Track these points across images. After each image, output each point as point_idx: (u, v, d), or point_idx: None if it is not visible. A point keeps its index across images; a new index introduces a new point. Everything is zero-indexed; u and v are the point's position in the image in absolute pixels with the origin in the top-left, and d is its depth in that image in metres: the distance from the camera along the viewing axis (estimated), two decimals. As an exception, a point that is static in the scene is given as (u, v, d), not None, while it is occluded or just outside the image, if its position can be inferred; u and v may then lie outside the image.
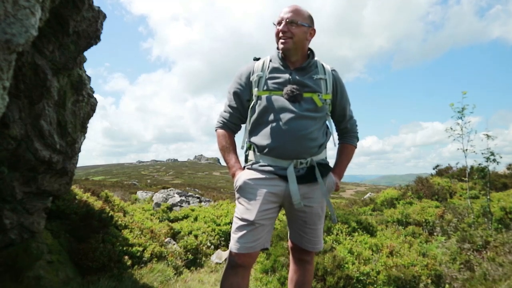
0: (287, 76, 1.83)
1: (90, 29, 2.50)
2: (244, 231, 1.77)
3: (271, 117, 1.79)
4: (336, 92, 1.93)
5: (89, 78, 2.98)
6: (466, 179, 4.84)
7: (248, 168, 1.86)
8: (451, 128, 4.40)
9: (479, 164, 4.30)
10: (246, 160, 1.92)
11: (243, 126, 2.00)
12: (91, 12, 2.44)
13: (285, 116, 1.78)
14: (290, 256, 2.07)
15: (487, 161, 4.16)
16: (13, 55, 1.46)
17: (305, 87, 1.82)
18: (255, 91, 1.82)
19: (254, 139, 1.85)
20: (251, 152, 1.87)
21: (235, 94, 1.89)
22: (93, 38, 2.60)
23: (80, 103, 2.81)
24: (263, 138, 1.81)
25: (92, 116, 3.06)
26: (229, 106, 1.91)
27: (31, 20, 1.51)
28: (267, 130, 1.80)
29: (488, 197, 4.34)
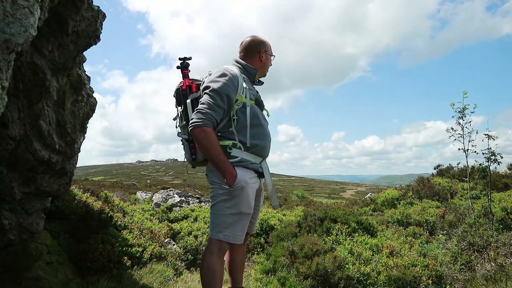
0: (254, 89, 2.29)
1: (90, 28, 2.49)
2: (243, 224, 2.12)
3: (258, 121, 2.17)
4: None
5: (88, 78, 2.97)
6: (467, 179, 4.81)
7: (238, 166, 2.09)
8: (452, 128, 4.36)
9: (480, 164, 4.27)
10: (228, 157, 2.07)
11: None
12: (90, 11, 2.43)
13: (265, 122, 2.25)
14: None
15: (487, 161, 4.14)
16: (12, 54, 1.45)
17: (262, 100, 2.31)
18: (242, 97, 2.11)
19: (243, 138, 2.10)
20: (236, 150, 2.10)
21: (227, 95, 2.04)
22: (93, 37, 2.59)
23: (79, 103, 2.80)
24: (254, 138, 2.13)
25: (91, 116, 3.04)
26: (216, 104, 2.00)
27: (30, 19, 1.50)
28: (256, 132, 2.15)
29: (489, 197, 4.33)
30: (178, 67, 2.25)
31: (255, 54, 2.28)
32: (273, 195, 2.34)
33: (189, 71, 2.25)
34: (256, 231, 2.51)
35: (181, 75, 2.23)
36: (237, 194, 2.04)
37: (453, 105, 4.27)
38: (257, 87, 2.38)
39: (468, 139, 4.23)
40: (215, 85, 2.03)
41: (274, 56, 2.39)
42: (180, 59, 2.25)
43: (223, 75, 2.07)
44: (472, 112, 4.20)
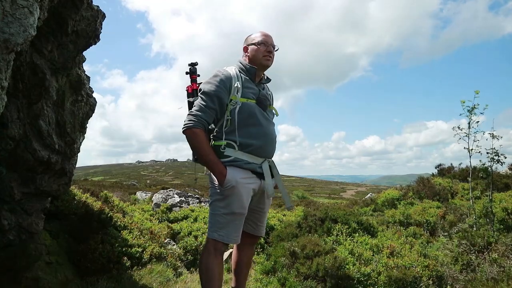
0: (256, 88, 2.22)
1: (89, 28, 2.48)
2: (237, 224, 2.09)
3: (254, 120, 2.13)
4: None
5: (88, 78, 2.97)
6: (470, 179, 4.77)
7: (230, 165, 2.08)
8: (459, 127, 4.26)
9: (483, 164, 4.22)
10: (221, 156, 2.09)
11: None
12: (90, 11, 2.42)
13: (264, 122, 2.18)
14: (240, 244, 2.30)
15: (490, 161, 4.09)
16: (11, 54, 1.44)
17: (267, 99, 2.26)
18: (237, 96, 2.10)
19: (236, 138, 2.09)
20: (230, 150, 2.09)
21: (217, 96, 2.07)
22: (92, 37, 2.58)
23: (79, 103, 2.79)
24: (248, 137, 2.10)
25: (91, 116, 3.04)
26: (207, 106, 2.06)
27: (29, 19, 1.50)
28: (252, 131, 2.11)
29: (490, 197, 4.31)
30: (187, 73, 2.40)
31: (243, 53, 2.32)
32: (284, 197, 2.31)
33: (198, 75, 2.39)
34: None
35: (190, 79, 2.38)
36: (228, 193, 2.05)
37: (464, 102, 4.13)
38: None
39: (473, 138, 4.15)
40: (205, 87, 2.11)
41: (262, 43, 2.20)
42: (189, 65, 2.41)
43: (214, 76, 2.13)
44: (481, 113, 4.08)
